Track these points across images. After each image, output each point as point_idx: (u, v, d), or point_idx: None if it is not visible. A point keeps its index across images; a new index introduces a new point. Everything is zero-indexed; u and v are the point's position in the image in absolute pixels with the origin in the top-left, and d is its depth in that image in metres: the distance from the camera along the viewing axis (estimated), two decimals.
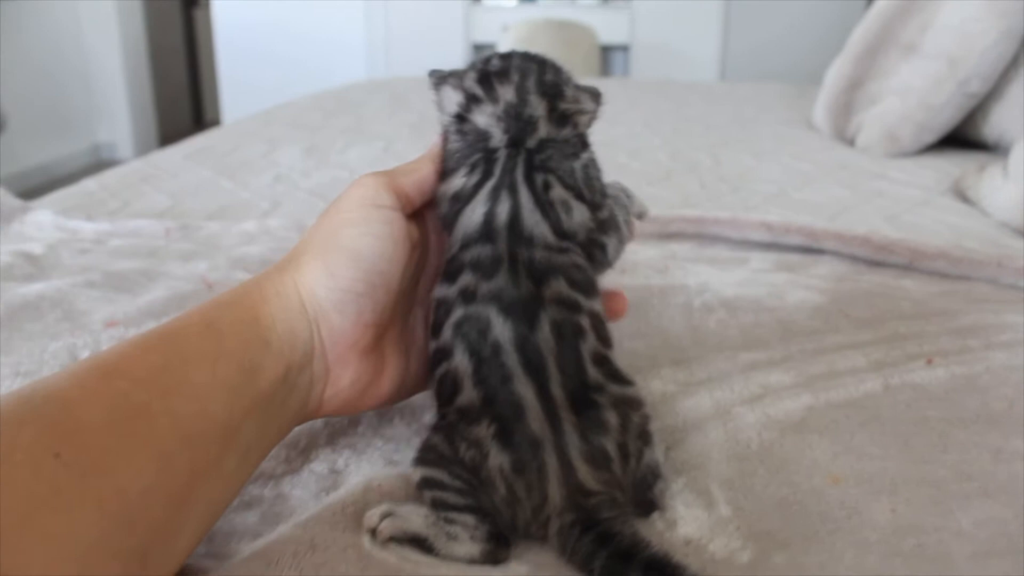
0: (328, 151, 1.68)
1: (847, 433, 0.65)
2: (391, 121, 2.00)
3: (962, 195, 1.35)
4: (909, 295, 0.91)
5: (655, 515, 0.55)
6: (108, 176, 1.56)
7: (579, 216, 0.58)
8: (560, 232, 0.57)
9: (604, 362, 0.55)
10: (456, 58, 4.03)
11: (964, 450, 0.63)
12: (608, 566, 0.46)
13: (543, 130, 0.58)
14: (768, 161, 1.61)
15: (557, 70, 0.61)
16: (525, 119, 0.58)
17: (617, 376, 0.55)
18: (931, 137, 1.68)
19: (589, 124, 0.61)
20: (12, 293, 0.91)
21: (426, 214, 0.62)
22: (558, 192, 0.57)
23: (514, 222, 0.56)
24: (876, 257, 0.99)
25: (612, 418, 0.52)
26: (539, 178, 0.57)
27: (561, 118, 0.59)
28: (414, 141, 1.76)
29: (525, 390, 0.51)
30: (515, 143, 0.57)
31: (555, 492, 0.50)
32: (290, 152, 1.68)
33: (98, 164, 4.45)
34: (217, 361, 0.48)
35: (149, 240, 1.12)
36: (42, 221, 1.21)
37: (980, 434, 0.65)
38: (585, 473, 0.50)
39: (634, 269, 0.98)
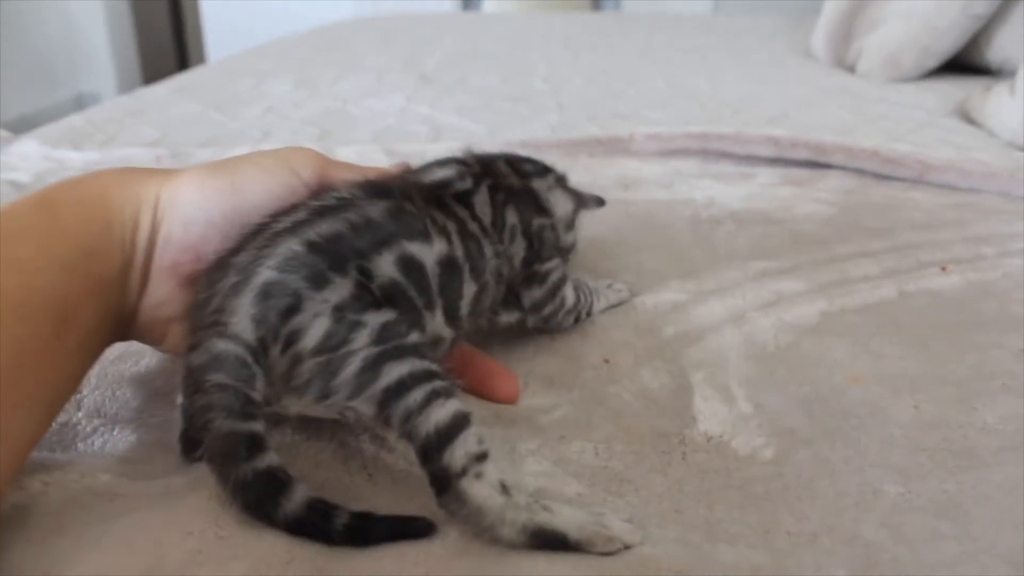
0: (319, 83, 1.64)
1: (864, 336, 0.64)
2: (382, 55, 1.95)
3: (967, 116, 1.32)
4: (920, 206, 0.89)
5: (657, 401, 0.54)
6: (94, 112, 1.52)
7: (517, 248, 0.58)
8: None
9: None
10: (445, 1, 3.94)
11: (984, 351, 0.62)
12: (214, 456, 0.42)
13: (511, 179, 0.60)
14: (768, 86, 1.58)
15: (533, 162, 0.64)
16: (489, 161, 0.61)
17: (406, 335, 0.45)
18: (934, 62, 1.65)
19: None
20: None
21: None
22: (511, 216, 0.58)
23: (465, 195, 0.56)
24: (884, 171, 0.97)
25: (345, 289, 0.44)
26: (500, 196, 0.58)
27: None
28: (406, 72, 1.72)
29: (284, 221, 0.47)
30: (484, 165, 0.60)
31: (199, 320, 0.45)
32: (280, 85, 1.64)
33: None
34: (49, 237, 0.45)
35: (139, 166, 1.09)
36: (28, 151, 1.18)
37: (1000, 336, 0.64)
38: (246, 307, 0.43)
39: (637, 185, 0.96)
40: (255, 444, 0.42)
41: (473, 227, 0.54)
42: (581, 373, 0.59)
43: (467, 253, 0.51)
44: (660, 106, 1.42)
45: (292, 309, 0.43)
